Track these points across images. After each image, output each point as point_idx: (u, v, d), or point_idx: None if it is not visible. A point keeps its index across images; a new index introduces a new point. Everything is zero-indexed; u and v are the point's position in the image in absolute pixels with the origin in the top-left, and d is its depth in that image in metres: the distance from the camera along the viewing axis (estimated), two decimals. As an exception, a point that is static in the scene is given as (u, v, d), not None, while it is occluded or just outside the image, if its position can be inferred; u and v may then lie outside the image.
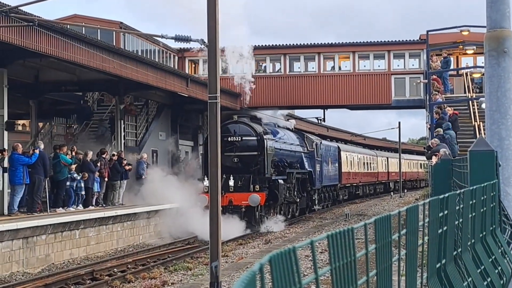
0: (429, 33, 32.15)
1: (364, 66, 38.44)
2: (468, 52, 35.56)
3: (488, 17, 9.64)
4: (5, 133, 21.88)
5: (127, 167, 27.35)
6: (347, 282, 2.69)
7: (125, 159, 27.37)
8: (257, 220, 28.12)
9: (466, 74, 34.09)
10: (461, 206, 5.31)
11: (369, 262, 3.28)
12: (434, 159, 20.81)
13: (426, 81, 28.17)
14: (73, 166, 23.71)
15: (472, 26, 30.95)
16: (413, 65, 38.22)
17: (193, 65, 40.14)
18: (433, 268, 4.61)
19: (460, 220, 5.32)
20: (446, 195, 4.73)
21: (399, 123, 61.80)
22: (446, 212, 4.74)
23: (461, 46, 35.10)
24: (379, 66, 38.26)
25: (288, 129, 37.18)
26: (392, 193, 60.57)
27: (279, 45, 39.25)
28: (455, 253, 5.24)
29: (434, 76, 30.85)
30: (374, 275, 3.20)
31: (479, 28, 29.09)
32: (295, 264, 2.12)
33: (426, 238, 4.47)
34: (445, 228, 4.76)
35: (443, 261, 4.83)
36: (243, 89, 33.97)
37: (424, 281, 4.51)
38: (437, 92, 29.43)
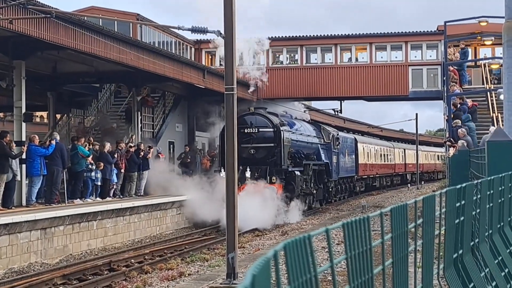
0: (447, 24, 31.93)
1: (381, 57, 38.27)
2: (486, 43, 35.33)
3: (507, 7, 9.55)
4: (23, 124, 22.00)
5: (149, 156, 27.52)
6: (362, 270, 2.68)
7: (143, 150, 27.44)
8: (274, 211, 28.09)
9: (484, 65, 33.86)
10: (479, 196, 5.27)
11: (385, 253, 3.27)
12: (452, 151, 20.73)
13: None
14: (90, 158, 23.84)
15: (490, 17, 30.72)
16: (430, 56, 37.98)
17: (210, 57, 40.14)
18: (450, 258, 4.58)
19: (478, 210, 5.28)
20: (464, 185, 4.70)
21: (416, 114, 61.64)
22: (463, 202, 4.71)
23: (479, 37, 34.86)
24: (396, 57, 38.07)
25: (304, 120, 37.12)
26: (409, 185, 60.36)
27: (296, 36, 39.16)
28: (472, 243, 5.21)
29: (451, 68, 30.67)
30: (390, 264, 3.18)
31: (497, 19, 28.88)
32: (310, 252, 2.11)
33: (443, 228, 4.44)
34: (462, 218, 4.73)
35: (460, 252, 4.80)
36: (250, 80, 33.82)
37: (440, 272, 4.48)
38: (454, 84, 29.27)
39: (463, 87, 30.47)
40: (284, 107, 36.29)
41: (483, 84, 33.34)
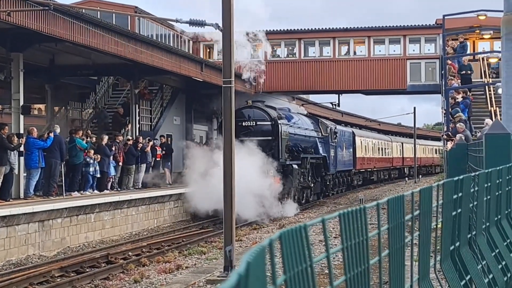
0: (446, 17, 31.90)
1: (380, 51, 38.24)
2: (485, 36, 35.32)
3: (506, 0, 9.54)
4: (21, 117, 21.98)
5: (147, 149, 27.54)
6: (358, 261, 2.67)
7: (141, 143, 27.43)
8: (271, 205, 28.09)
9: (483, 59, 33.84)
10: (476, 189, 5.27)
11: (382, 246, 3.27)
12: (450, 145, 20.74)
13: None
14: (92, 152, 23.85)
15: (489, 11, 30.74)
16: (429, 50, 37.97)
17: (208, 50, 40.09)
18: (447, 250, 4.58)
19: (475, 203, 5.28)
20: (461, 177, 4.69)
21: (414, 108, 61.53)
22: (460, 194, 4.71)
23: (478, 31, 34.83)
24: (394, 51, 38.04)
25: (302, 114, 37.13)
26: (406, 178, 60.43)
27: (294, 29, 39.12)
28: (469, 236, 5.21)
29: (450, 61, 30.65)
30: (387, 255, 3.18)
31: (496, 13, 28.87)
32: (306, 242, 2.11)
33: (439, 220, 4.44)
34: (459, 210, 4.73)
35: (457, 244, 4.80)
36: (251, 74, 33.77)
37: (437, 264, 4.48)
38: (452, 77, 29.25)
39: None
40: (282, 100, 36.29)
41: (481, 78, 33.31)
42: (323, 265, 13.38)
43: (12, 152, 20.21)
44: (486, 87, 29.63)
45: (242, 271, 1.53)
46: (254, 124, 29.06)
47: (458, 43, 32.45)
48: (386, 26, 38.40)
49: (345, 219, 2.58)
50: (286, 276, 1.99)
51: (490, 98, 28.55)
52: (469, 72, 29.61)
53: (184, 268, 16.45)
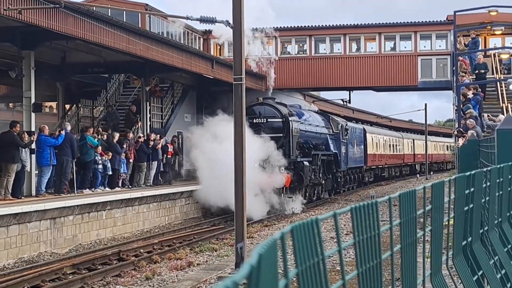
0: (457, 13, 31.78)
1: (390, 47, 38.14)
2: (496, 32, 35.13)
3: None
4: (33, 115, 22.06)
5: (158, 146, 27.53)
6: (370, 255, 2.67)
7: (152, 140, 27.44)
8: (282, 202, 28.13)
9: (494, 55, 33.69)
10: (488, 184, 5.25)
11: (393, 241, 3.25)
12: (461, 141, 20.67)
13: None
14: (100, 148, 23.90)
15: (501, 6, 30.57)
16: (440, 46, 37.83)
17: (218, 47, 40.09)
18: (459, 246, 4.57)
19: (487, 198, 5.26)
20: (473, 172, 4.67)
21: (426, 104, 61.21)
22: (472, 189, 4.69)
23: (489, 27, 34.67)
24: (405, 47, 37.94)
25: (313, 111, 37.09)
26: (418, 175, 60.25)
27: (305, 26, 39.07)
28: (481, 231, 5.19)
29: (461, 57, 30.52)
30: (398, 250, 3.17)
31: (507, 9, 28.76)
32: (317, 235, 2.10)
33: (451, 216, 4.42)
34: (471, 205, 4.71)
35: (469, 239, 4.78)
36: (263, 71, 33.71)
37: (449, 260, 4.46)
38: (464, 74, 29.13)
39: (472, 77, 30.14)
40: (294, 97, 36.26)
41: (492, 74, 33.17)
42: (334, 262, 13.37)
43: (23, 150, 20.29)
44: (498, 83, 29.49)
45: (254, 262, 1.53)
46: (265, 121, 29.05)
47: (470, 39, 32.32)
48: (397, 23, 38.30)
49: (357, 213, 2.57)
50: (298, 269, 1.99)
51: (502, 94, 28.43)
52: (482, 71, 29.42)
53: (195, 265, 16.48)
